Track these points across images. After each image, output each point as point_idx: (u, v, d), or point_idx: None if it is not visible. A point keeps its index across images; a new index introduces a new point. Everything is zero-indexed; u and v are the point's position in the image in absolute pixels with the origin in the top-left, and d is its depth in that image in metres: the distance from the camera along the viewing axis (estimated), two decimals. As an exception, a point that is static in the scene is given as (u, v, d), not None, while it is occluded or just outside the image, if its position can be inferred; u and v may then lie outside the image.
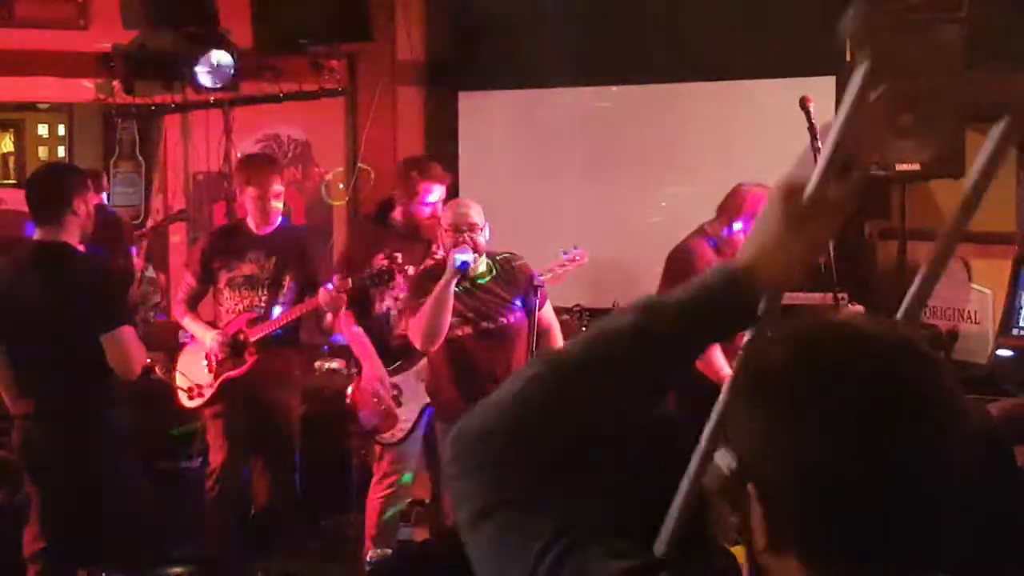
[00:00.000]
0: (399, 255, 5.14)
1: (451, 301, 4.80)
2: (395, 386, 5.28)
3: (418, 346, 4.93)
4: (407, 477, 5.38)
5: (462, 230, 4.85)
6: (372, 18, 7.02)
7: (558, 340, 5.06)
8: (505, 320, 4.96)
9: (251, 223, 5.43)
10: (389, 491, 5.36)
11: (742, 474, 1.34)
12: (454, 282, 4.78)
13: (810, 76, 6.03)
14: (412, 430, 5.28)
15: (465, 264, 4.75)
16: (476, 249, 4.83)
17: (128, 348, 4.38)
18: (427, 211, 5.29)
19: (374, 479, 5.44)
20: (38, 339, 4.39)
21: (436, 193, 5.30)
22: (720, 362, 4.76)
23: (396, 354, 5.31)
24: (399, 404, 5.28)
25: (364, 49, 7.17)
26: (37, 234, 4.47)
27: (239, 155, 6.33)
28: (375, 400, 5.27)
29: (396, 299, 5.34)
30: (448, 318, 4.82)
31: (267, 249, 5.38)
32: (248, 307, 5.34)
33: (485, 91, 7.19)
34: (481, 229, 4.88)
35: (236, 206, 5.87)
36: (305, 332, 5.59)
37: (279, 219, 5.45)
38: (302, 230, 5.59)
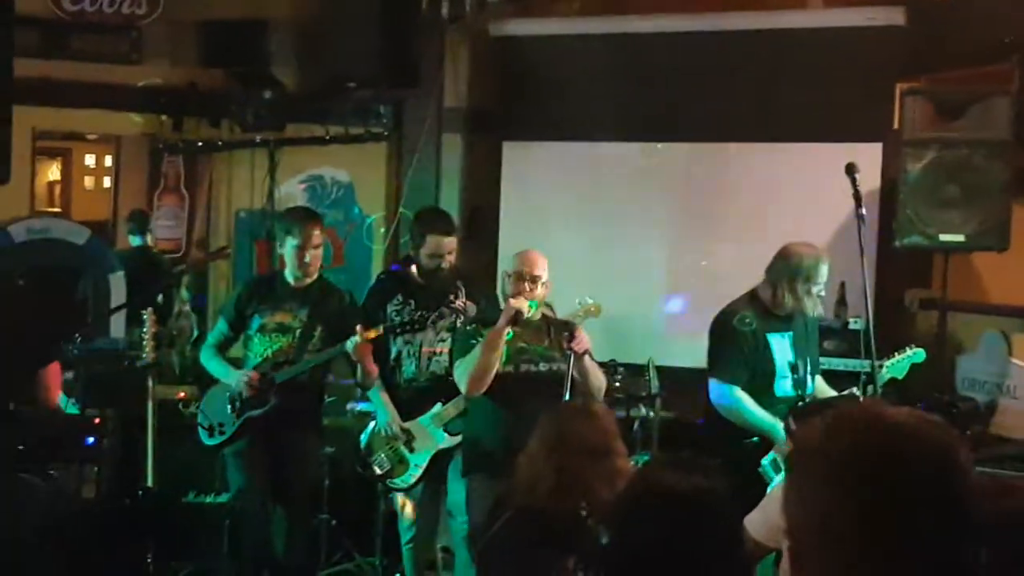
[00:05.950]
0: (412, 301, 5.23)
1: (502, 346, 4.82)
2: (406, 431, 5.28)
3: (464, 389, 4.92)
4: (420, 523, 5.36)
5: (525, 279, 4.92)
6: (420, 65, 7.07)
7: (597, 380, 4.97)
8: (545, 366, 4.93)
9: (289, 275, 5.42)
10: (412, 534, 5.37)
11: None
12: (507, 329, 4.81)
13: (856, 142, 6.01)
14: (423, 476, 5.28)
15: (521, 313, 4.79)
16: (534, 299, 4.87)
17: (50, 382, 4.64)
18: (435, 263, 5.30)
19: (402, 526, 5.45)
20: None
21: (444, 245, 5.30)
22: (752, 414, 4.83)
23: (403, 402, 5.31)
24: (411, 450, 5.27)
25: (410, 95, 7.20)
26: None
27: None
28: (388, 444, 5.28)
29: (407, 343, 5.34)
30: (497, 362, 4.84)
31: (301, 300, 5.37)
32: (277, 352, 5.35)
33: (529, 142, 7.20)
34: (544, 282, 4.95)
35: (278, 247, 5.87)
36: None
37: (317, 270, 5.44)
38: (339, 290, 5.56)
